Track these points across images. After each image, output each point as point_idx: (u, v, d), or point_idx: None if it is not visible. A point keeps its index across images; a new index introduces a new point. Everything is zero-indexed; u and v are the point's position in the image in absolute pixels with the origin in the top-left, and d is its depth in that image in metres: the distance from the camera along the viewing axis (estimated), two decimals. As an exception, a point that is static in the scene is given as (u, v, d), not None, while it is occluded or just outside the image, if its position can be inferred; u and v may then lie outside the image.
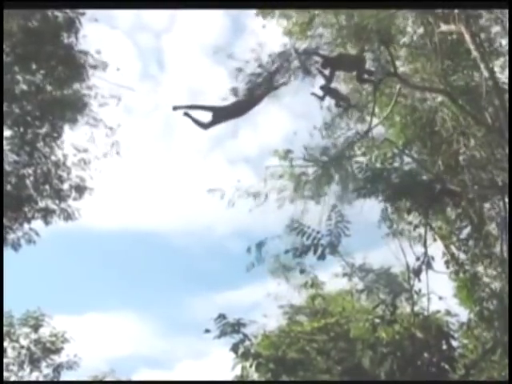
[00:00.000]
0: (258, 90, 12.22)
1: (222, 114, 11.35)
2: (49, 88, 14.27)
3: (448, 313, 11.45)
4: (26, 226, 14.41)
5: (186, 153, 28.51)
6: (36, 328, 16.36)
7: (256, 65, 13.05)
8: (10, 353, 16.07)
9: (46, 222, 14.73)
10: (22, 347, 16.23)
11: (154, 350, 28.03)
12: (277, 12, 15.44)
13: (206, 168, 26.70)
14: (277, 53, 13.22)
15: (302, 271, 12.05)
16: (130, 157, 15.48)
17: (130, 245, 31.31)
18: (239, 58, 13.91)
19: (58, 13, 13.70)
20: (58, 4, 12.59)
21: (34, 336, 16.38)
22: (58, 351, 16.46)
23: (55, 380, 16.25)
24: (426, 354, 10.88)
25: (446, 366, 10.73)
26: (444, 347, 10.95)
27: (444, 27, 14.37)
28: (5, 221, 14.00)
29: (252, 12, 15.46)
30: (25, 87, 14.05)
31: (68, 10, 13.72)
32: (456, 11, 13.80)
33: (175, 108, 11.18)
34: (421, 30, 15.78)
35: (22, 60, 13.45)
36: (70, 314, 21.79)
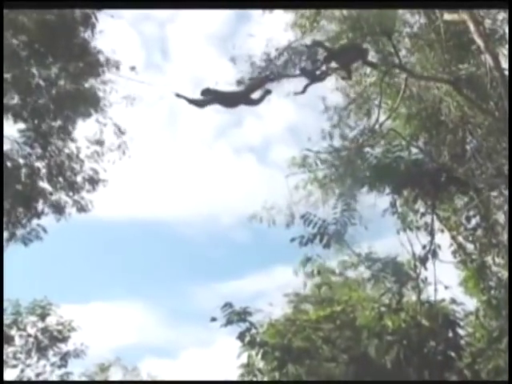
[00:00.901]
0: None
1: (214, 97, 11.36)
2: (63, 82, 14.33)
3: (454, 301, 11.44)
4: (34, 221, 14.57)
5: (190, 142, 28.52)
6: (43, 317, 16.37)
7: (260, 58, 13.18)
8: (17, 341, 16.10)
9: (60, 214, 14.90)
10: (30, 335, 16.23)
11: (160, 339, 28.09)
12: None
13: (211, 157, 26.78)
14: (282, 47, 13.32)
15: (308, 259, 12.05)
16: (134, 146, 15.45)
17: (135, 234, 31.36)
18: (243, 48, 14.09)
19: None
20: (59, 4, 12.57)
21: (41, 324, 16.38)
22: (64, 340, 16.45)
23: (63, 380, 16.33)
24: (432, 343, 10.92)
25: (453, 354, 10.78)
26: (450, 335, 10.99)
27: (448, 16, 14.33)
28: (15, 216, 14.21)
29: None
30: (40, 81, 14.12)
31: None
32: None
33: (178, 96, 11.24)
34: (425, 20, 15.74)
35: (37, 54, 13.47)
36: (76, 303, 21.90)
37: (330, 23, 15.54)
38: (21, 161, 14.50)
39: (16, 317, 16.05)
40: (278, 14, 15.79)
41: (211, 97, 11.26)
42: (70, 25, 13.69)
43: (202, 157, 27.53)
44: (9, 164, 14.28)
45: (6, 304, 15.71)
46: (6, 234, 14.19)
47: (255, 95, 11.85)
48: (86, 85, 14.59)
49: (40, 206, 14.69)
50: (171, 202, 29.40)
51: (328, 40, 14.90)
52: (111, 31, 14.62)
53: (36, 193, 14.60)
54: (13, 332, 15.94)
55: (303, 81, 12.51)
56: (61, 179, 14.92)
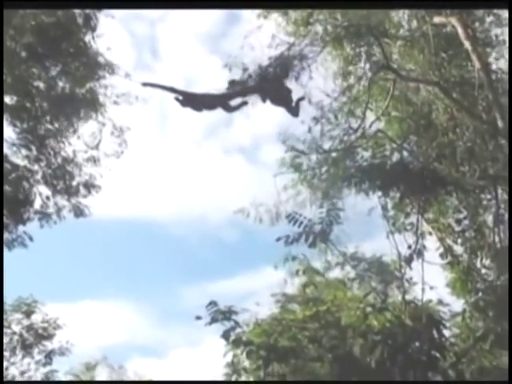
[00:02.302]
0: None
1: (190, 101, 11.40)
2: (61, 84, 14.35)
3: (440, 302, 11.45)
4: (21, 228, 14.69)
5: (180, 142, 28.54)
6: (28, 314, 16.37)
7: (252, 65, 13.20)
8: (2, 338, 16.11)
9: (59, 217, 14.93)
10: (14, 333, 16.25)
11: (148, 338, 28.26)
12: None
13: (200, 157, 26.78)
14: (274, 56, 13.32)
15: (294, 258, 12.08)
16: (124, 146, 15.43)
17: (125, 234, 31.49)
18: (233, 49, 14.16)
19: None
20: (59, 4, 12.63)
21: (26, 322, 16.38)
22: (50, 337, 16.48)
23: (63, 380, 16.33)
24: (416, 343, 10.91)
25: (437, 355, 10.76)
26: (435, 335, 10.98)
27: (436, 19, 14.46)
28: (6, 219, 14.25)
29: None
30: (39, 83, 14.15)
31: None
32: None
33: (145, 84, 11.33)
34: (414, 24, 15.85)
35: (36, 56, 13.48)
36: (63, 302, 21.87)
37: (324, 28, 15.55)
38: (19, 162, 14.58)
39: (0, 314, 16.08)
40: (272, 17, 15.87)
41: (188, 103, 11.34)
42: (70, 27, 13.73)
43: (191, 157, 27.59)
44: (8, 166, 14.36)
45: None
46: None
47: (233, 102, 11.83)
48: (85, 87, 14.62)
49: (35, 208, 14.74)
50: (161, 201, 29.45)
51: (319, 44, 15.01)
52: (104, 31, 14.60)
53: (30, 196, 14.65)
54: (-3, 329, 15.99)
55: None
56: (56, 182, 14.96)
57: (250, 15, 15.41)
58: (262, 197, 15.31)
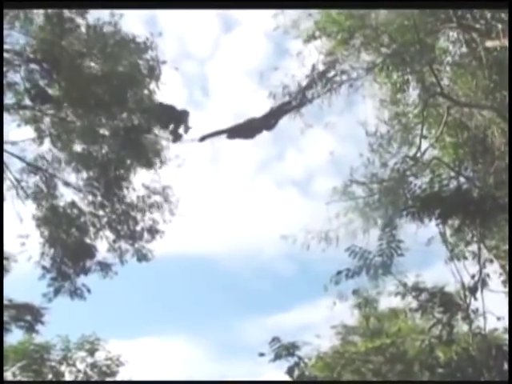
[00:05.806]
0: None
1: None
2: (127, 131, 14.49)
3: (506, 331, 11.15)
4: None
5: (233, 177, 28.70)
6: (92, 352, 16.58)
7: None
8: (67, 377, 16.35)
9: (122, 262, 15.16)
10: (79, 371, 16.47)
11: (207, 373, 27.97)
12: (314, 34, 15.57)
13: (253, 191, 26.83)
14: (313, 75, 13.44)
15: (355, 292, 11.95)
16: (177, 182, 15.60)
17: (180, 270, 31.51)
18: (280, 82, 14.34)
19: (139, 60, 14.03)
20: (58, 4, 12.72)
21: (90, 360, 16.60)
22: (113, 374, 16.66)
23: (63, 380, 16.40)
24: (486, 375, 10.63)
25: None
26: (505, 367, 10.68)
27: (489, 43, 14.27)
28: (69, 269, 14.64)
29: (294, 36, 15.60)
30: (106, 131, 14.43)
31: (149, 57, 14.08)
32: (500, 27, 13.74)
33: (202, 139, 11.69)
34: (464, 49, 15.69)
35: (104, 104, 13.64)
36: (124, 339, 21.92)
37: (368, 54, 15.54)
38: (85, 209, 14.85)
39: (65, 353, 16.33)
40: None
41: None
42: (135, 75, 13.88)
43: (245, 191, 27.72)
44: (75, 211, 14.63)
45: (55, 340, 16.31)
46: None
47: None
48: (149, 134, 14.80)
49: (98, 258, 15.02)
50: (215, 236, 29.49)
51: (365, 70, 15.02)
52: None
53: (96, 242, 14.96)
54: (63, 368, 16.21)
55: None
56: (120, 228, 15.19)
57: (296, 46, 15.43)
58: (314, 224, 15.10)
